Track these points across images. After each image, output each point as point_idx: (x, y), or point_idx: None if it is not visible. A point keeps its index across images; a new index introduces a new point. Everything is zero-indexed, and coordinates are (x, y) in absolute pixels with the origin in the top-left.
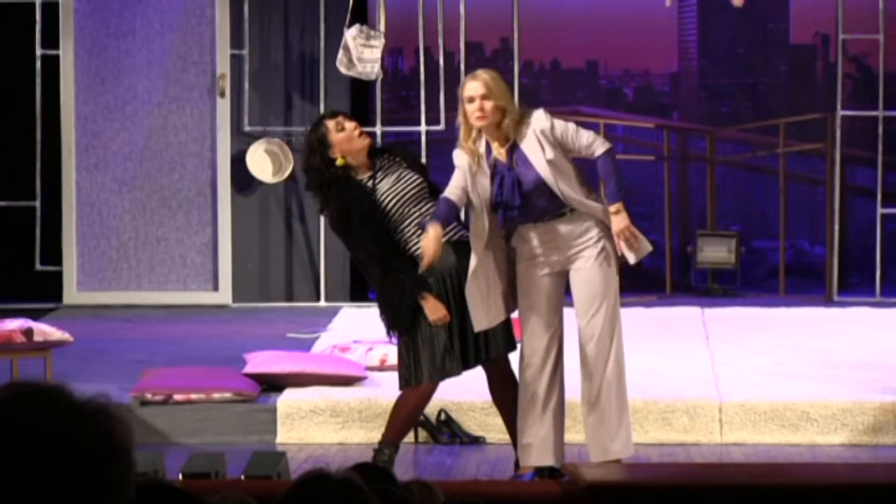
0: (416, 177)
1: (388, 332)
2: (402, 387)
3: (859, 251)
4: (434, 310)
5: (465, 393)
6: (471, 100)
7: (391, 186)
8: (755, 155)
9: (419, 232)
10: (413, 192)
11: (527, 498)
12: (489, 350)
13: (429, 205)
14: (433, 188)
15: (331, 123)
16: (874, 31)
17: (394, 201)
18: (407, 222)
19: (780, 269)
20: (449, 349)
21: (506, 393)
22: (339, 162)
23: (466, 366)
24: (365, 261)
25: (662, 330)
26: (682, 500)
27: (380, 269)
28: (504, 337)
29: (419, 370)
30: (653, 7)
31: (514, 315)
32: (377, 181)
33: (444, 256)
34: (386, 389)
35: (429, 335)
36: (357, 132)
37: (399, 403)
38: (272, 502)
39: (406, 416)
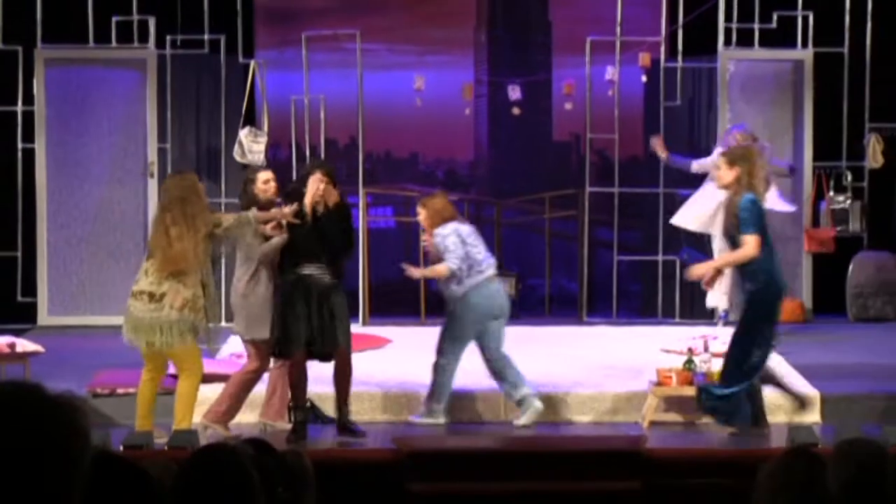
0: None
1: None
2: (277, 356)
3: (601, 286)
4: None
5: (324, 387)
6: None
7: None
8: (528, 219)
9: None
10: None
11: (366, 462)
12: (335, 343)
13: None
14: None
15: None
16: (611, 132)
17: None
18: None
19: (546, 299)
20: (308, 334)
21: (340, 380)
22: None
23: (319, 348)
24: None
25: None
26: (478, 461)
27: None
28: (344, 338)
29: (289, 345)
30: (456, 114)
31: (360, 330)
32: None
33: (319, 277)
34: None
35: (297, 322)
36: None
37: (290, 382)
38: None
39: (296, 382)
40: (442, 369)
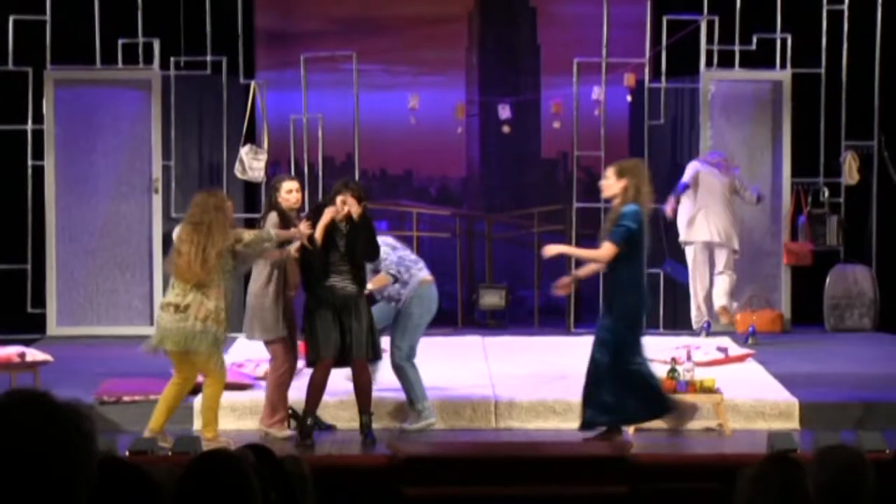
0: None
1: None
2: (308, 365)
3: (589, 297)
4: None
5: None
6: None
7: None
8: (518, 233)
9: None
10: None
11: (363, 467)
12: (358, 352)
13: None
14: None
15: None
16: (597, 150)
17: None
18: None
19: (535, 310)
20: (336, 342)
21: (360, 384)
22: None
23: (345, 356)
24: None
25: (455, 352)
26: (470, 465)
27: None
28: (369, 347)
29: (317, 350)
30: (449, 132)
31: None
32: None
33: (342, 287)
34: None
35: (324, 330)
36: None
37: (310, 383)
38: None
39: (316, 388)
40: (411, 368)
